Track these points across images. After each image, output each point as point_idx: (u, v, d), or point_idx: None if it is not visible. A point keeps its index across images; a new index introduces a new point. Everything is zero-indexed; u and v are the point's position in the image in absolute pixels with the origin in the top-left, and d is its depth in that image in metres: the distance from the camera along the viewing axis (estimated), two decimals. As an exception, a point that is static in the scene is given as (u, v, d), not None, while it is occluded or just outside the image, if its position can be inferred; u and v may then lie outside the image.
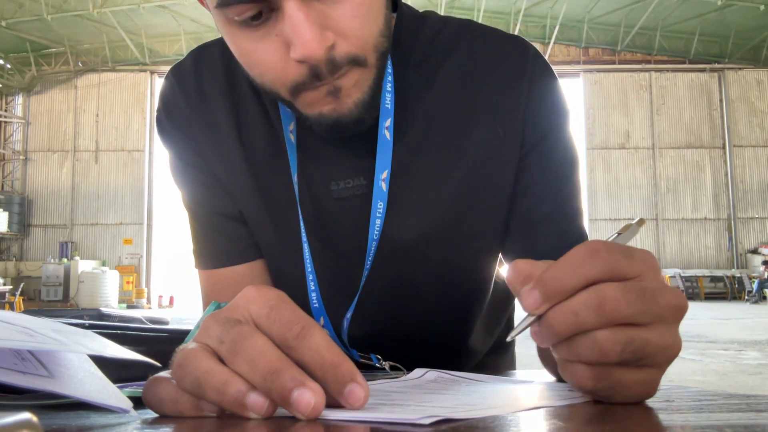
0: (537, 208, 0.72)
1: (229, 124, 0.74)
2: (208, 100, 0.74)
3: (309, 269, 0.74)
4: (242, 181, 0.75)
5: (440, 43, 0.73)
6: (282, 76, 0.58)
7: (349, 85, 0.59)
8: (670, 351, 0.39)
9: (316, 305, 0.74)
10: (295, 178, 0.71)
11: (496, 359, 0.93)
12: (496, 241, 0.76)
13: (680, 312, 0.39)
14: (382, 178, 0.68)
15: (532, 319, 0.39)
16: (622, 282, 0.38)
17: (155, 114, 0.79)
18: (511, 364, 0.98)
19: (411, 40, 0.72)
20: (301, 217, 0.72)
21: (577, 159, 0.74)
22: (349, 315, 0.74)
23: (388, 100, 0.68)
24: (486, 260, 0.78)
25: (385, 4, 0.60)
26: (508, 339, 0.43)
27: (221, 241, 0.78)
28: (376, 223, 0.69)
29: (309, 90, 0.59)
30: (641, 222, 0.44)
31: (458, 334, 0.82)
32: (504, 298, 0.88)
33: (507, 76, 0.71)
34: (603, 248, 0.39)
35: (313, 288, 0.74)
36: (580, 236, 0.72)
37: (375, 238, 0.69)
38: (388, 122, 0.68)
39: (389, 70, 0.68)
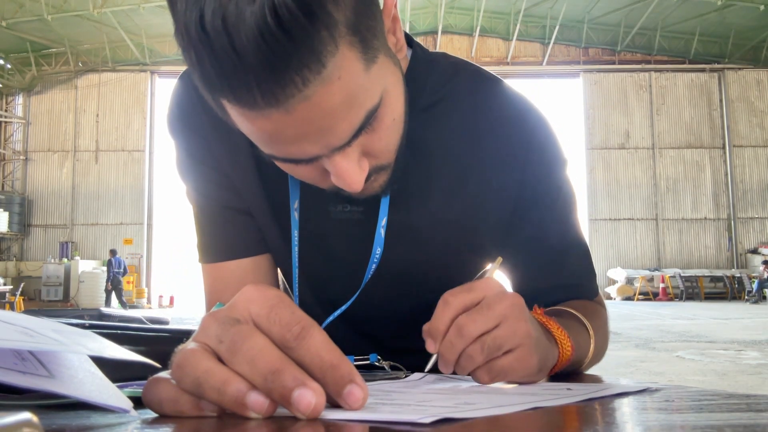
0: (547, 248, 0.78)
1: (243, 134, 0.75)
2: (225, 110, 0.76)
3: (295, 275, 0.77)
4: (252, 185, 0.77)
5: (449, 91, 0.76)
6: (318, 183, 0.63)
7: (374, 183, 0.64)
8: (518, 335, 0.54)
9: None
10: (294, 206, 0.74)
11: None
12: (477, 272, 0.83)
13: (516, 306, 0.55)
14: (382, 225, 0.72)
15: (435, 357, 0.56)
16: (472, 309, 0.54)
17: (166, 112, 0.79)
18: None
19: (421, 85, 0.74)
20: (294, 230, 0.75)
21: (575, 199, 0.80)
22: (325, 324, 0.78)
23: None
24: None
25: (404, 101, 0.62)
26: (426, 370, 0.58)
27: (229, 233, 0.80)
28: (372, 268, 0.74)
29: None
30: (499, 260, 0.63)
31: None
32: None
33: (508, 130, 0.75)
34: (451, 297, 0.55)
35: (295, 292, 0.78)
36: (585, 259, 0.81)
37: (366, 279, 0.74)
38: None
39: None
